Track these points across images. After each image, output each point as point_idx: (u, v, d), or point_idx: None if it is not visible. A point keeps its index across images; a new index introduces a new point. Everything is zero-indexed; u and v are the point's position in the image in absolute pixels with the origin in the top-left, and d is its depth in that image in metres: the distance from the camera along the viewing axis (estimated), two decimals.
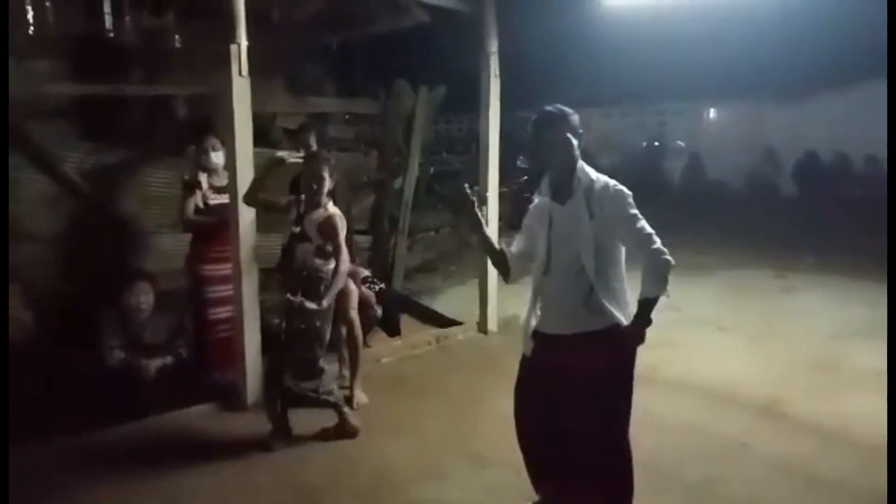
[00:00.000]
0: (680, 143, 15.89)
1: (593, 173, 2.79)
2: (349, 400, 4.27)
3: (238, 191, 4.15)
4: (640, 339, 2.70)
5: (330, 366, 4.19)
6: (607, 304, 2.69)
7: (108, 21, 6.10)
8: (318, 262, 3.71)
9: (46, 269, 4.92)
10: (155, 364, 4.29)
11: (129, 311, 4.38)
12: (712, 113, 16.20)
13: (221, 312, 4.60)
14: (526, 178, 11.27)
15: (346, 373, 4.59)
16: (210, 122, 4.97)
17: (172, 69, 5.90)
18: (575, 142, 2.74)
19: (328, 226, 3.79)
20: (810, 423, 4.09)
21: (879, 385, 4.57)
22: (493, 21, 5.58)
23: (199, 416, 4.20)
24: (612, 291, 2.73)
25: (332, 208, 3.87)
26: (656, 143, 15.85)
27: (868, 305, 6.48)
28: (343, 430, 3.94)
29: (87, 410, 4.02)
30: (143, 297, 4.41)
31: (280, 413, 3.86)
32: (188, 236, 4.73)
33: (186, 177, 4.63)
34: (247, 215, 4.21)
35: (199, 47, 5.68)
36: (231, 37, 4.06)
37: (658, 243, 2.67)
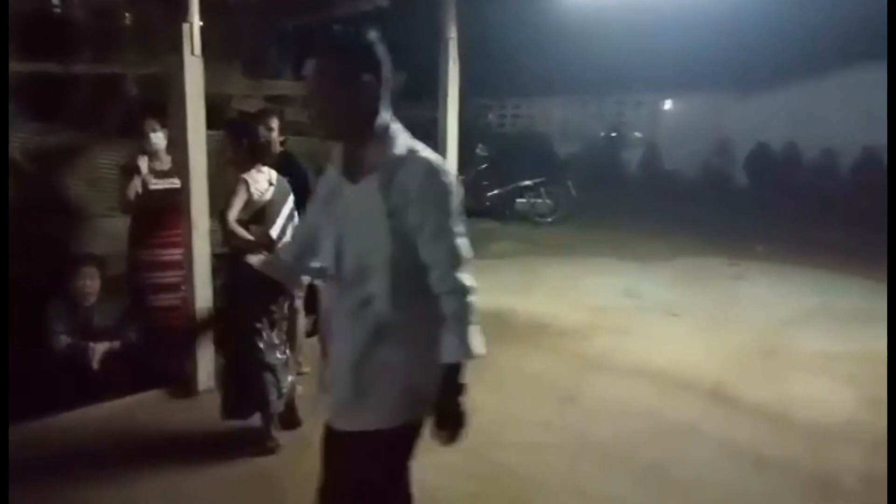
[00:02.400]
0: (637, 133, 16.06)
1: (405, 141, 1.82)
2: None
3: (190, 173, 4.06)
4: (458, 422, 1.81)
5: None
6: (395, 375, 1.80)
7: None
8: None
9: None
10: (102, 348, 4.18)
11: (75, 295, 4.26)
12: (670, 104, 16.39)
13: (162, 299, 4.51)
14: (486, 165, 11.34)
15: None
16: (162, 103, 4.87)
17: (123, 48, 5.76)
18: (366, 81, 1.74)
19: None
20: (759, 406, 4.18)
21: (826, 369, 4.73)
22: (452, 6, 5.53)
23: (148, 403, 4.11)
24: (416, 341, 1.80)
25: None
26: (614, 134, 16.00)
27: (817, 293, 6.64)
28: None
29: (33, 398, 3.90)
30: (90, 282, 4.28)
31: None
32: None
33: (122, 162, 4.51)
34: (199, 200, 4.11)
35: (151, 26, 5.56)
36: (183, 15, 3.95)
37: (465, 275, 1.75)
